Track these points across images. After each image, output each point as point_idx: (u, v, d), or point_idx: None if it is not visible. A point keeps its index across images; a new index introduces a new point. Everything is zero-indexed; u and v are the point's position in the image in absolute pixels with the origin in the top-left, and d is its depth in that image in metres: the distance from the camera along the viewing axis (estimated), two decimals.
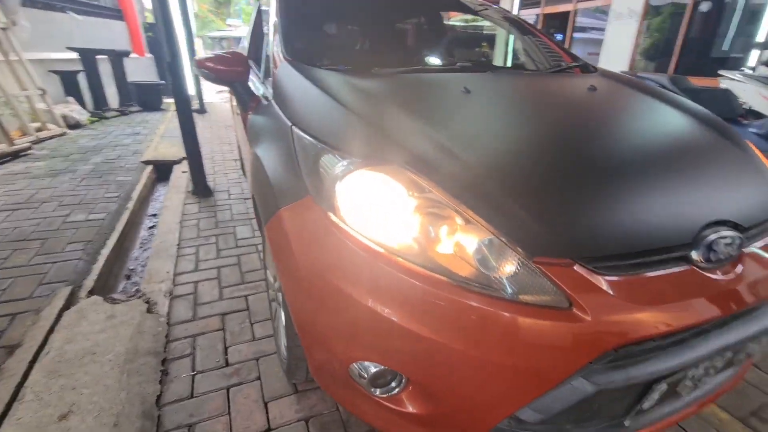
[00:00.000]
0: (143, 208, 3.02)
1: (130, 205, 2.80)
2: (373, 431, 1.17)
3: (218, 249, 2.23)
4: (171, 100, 7.80)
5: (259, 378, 1.35)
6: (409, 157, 0.85)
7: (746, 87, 3.43)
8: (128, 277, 2.15)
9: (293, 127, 1.05)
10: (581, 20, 10.69)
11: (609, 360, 0.71)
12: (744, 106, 3.47)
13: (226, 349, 1.48)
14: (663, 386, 0.77)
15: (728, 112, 3.02)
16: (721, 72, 3.72)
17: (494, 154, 0.88)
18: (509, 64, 1.87)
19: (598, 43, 9.80)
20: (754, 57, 5.14)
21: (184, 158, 3.95)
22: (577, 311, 0.70)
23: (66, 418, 1.13)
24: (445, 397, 0.79)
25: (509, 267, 0.73)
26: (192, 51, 6.35)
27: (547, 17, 10.71)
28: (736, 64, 7.15)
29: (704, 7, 6.89)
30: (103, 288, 1.90)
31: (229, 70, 1.53)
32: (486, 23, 2.00)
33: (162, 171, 3.77)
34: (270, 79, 1.38)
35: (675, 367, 0.74)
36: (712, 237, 0.78)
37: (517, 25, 2.00)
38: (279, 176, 1.02)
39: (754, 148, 1.15)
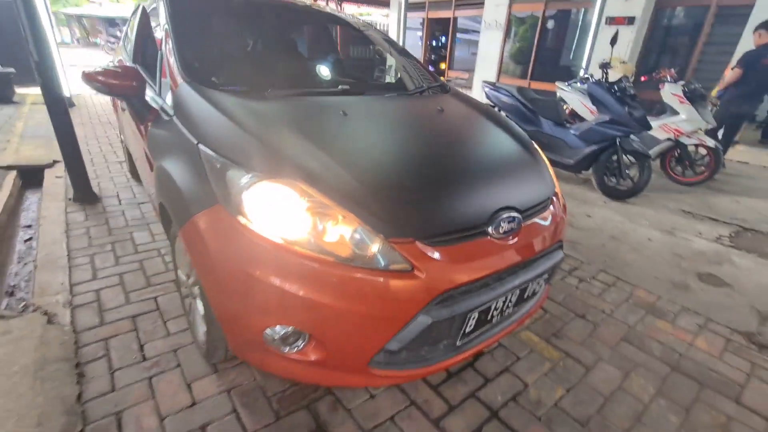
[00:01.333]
0: (13, 220, 2.74)
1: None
2: (286, 391, 1.44)
3: (116, 256, 2.22)
4: (25, 91, 6.72)
5: (179, 365, 1.51)
6: (299, 170, 1.13)
7: (571, 96, 4.41)
8: (11, 294, 2.03)
9: (199, 144, 1.24)
10: (465, 23, 11.81)
11: (439, 301, 1.10)
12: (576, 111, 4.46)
13: (141, 346, 1.59)
14: (475, 314, 1.19)
15: (557, 117, 3.90)
16: (557, 84, 4.69)
17: (363, 165, 1.21)
18: (383, 83, 2.22)
19: (477, 44, 11.15)
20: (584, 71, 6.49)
21: (56, 161, 3.61)
22: (417, 272, 1.07)
23: None
24: (335, 343, 1.10)
25: (374, 246, 1.07)
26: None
27: (431, 21, 11.66)
28: (576, 71, 8.82)
29: (550, 24, 8.32)
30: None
31: (123, 84, 1.60)
32: (368, 41, 2.35)
33: (29, 177, 3.38)
34: (169, 94, 1.51)
35: (481, 301, 1.17)
36: (499, 217, 1.22)
37: (393, 45, 2.39)
38: (189, 187, 1.21)
39: (542, 154, 1.69)
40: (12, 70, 6.16)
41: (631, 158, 3.57)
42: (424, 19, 11.61)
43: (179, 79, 1.47)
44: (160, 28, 1.73)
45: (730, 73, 4.08)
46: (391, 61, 2.37)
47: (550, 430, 1.36)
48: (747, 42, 5.69)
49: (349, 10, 19.22)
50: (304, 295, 1.03)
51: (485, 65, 9.59)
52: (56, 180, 3.23)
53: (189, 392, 1.40)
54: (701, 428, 1.40)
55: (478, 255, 1.17)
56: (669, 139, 3.94)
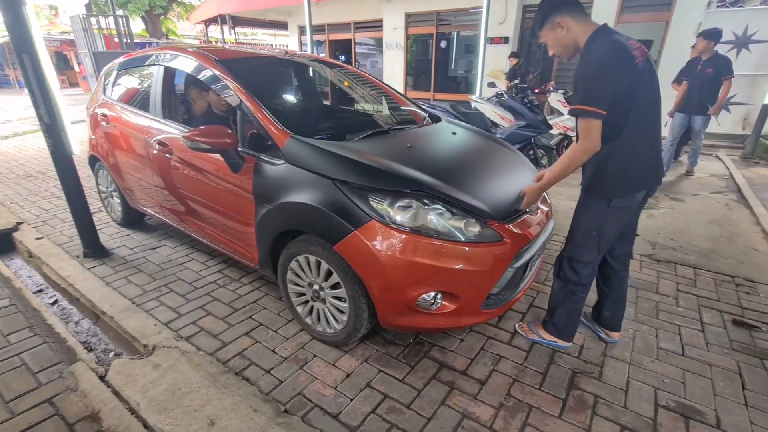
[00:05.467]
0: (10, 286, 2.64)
1: (18, 284, 2.48)
2: (404, 351, 1.96)
3: (180, 295, 2.41)
4: None
5: (315, 356, 1.92)
6: (418, 187, 1.70)
7: (485, 107, 5.51)
8: (90, 349, 2.12)
9: (335, 181, 1.72)
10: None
11: (516, 256, 1.77)
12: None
13: (273, 351, 1.95)
14: (533, 263, 1.90)
15: (483, 126, 4.91)
16: (470, 98, 5.77)
17: (452, 179, 1.82)
18: (399, 117, 2.84)
19: (366, 55, 12.37)
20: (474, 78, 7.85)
21: (19, 223, 3.38)
22: (505, 240, 1.73)
23: (213, 424, 1.49)
24: (465, 296, 1.70)
25: (477, 229, 1.70)
26: None
27: (332, 42, 12.39)
28: (461, 78, 10.41)
29: (443, 44, 9.70)
30: (98, 360, 1.93)
31: (222, 142, 1.93)
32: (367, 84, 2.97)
33: None
34: (271, 147, 1.92)
35: (532, 254, 1.87)
36: None
37: (384, 85, 3.03)
38: (339, 211, 1.67)
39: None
40: None
41: (542, 151, 4.72)
42: (324, 41, 12.30)
43: (284, 136, 1.90)
44: (232, 95, 2.08)
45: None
46: (384, 97, 3.00)
47: None
48: None
49: (239, 32, 18.89)
50: (445, 266, 1.61)
51: (391, 81, 10.66)
52: (40, 242, 3.09)
53: (338, 369, 1.84)
54: (645, 311, 2.32)
55: (527, 225, 1.88)
56: (560, 134, 5.25)
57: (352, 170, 1.75)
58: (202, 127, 1.98)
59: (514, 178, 2.09)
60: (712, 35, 4.54)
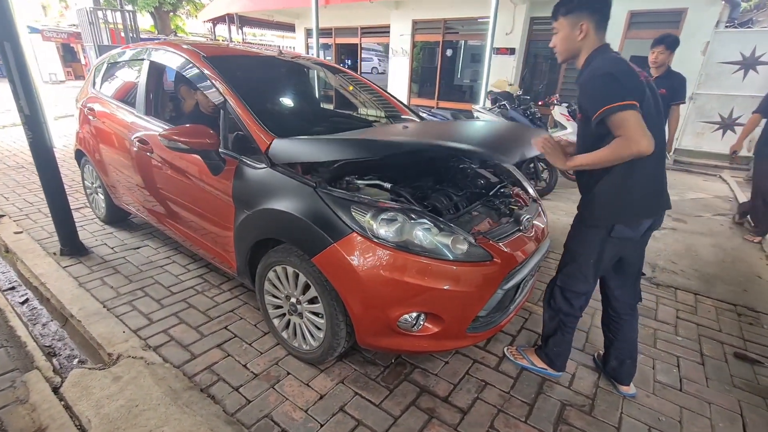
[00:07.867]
0: None
1: None
2: (383, 372, 1.84)
3: (155, 300, 2.30)
4: None
5: (289, 373, 1.80)
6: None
7: (487, 118, 5.41)
8: (53, 354, 2.00)
9: (317, 189, 1.62)
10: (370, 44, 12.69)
11: (507, 277, 1.66)
12: None
13: (245, 366, 1.83)
14: (525, 284, 1.79)
15: None
16: (473, 107, 5.68)
17: (443, 138, 1.70)
18: (392, 116, 2.76)
19: (371, 60, 12.31)
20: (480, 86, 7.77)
21: (0, 216, 3.28)
22: (495, 259, 1.61)
23: None
24: (447, 317, 1.58)
25: (466, 246, 1.58)
26: None
27: (338, 46, 12.37)
28: (467, 87, 10.34)
29: (449, 52, 9.65)
30: (60, 367, 1.81)
31: (201, 142, 1.83)
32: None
33: None
34: (254, 149, 1.82)
35: (524, 275, 1.76)
36: (524, 219, 1.84)
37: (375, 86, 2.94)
38: (319, 221, 1.56)
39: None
40: None
41: (543, 164, 4.62)
42: (331, 45, 12.26)
43: (268, 138, 1.79)
44: (216, 93, 1.97)
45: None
46: (380, 103, 2.90)
47: None
48: None
49: (247, 32, 18.94)
50: (429, 285, 1.50)
51: (396, 87, 10.59)
52: (18, 236, 2.99)
53: (311, 389, 1.72)
54: (642, 338, 2.19)
55: (520, 245, 1.77)
56: None
57: (335, 148, 1.65)
58: (181, 126, 1.88)
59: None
60: (675, 44, 3.34)
